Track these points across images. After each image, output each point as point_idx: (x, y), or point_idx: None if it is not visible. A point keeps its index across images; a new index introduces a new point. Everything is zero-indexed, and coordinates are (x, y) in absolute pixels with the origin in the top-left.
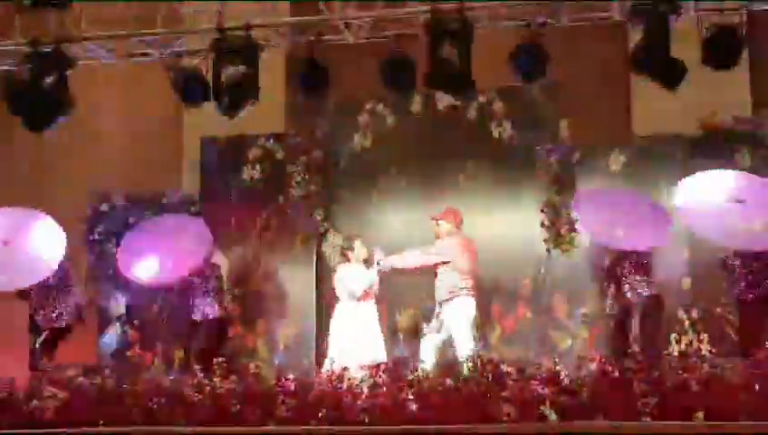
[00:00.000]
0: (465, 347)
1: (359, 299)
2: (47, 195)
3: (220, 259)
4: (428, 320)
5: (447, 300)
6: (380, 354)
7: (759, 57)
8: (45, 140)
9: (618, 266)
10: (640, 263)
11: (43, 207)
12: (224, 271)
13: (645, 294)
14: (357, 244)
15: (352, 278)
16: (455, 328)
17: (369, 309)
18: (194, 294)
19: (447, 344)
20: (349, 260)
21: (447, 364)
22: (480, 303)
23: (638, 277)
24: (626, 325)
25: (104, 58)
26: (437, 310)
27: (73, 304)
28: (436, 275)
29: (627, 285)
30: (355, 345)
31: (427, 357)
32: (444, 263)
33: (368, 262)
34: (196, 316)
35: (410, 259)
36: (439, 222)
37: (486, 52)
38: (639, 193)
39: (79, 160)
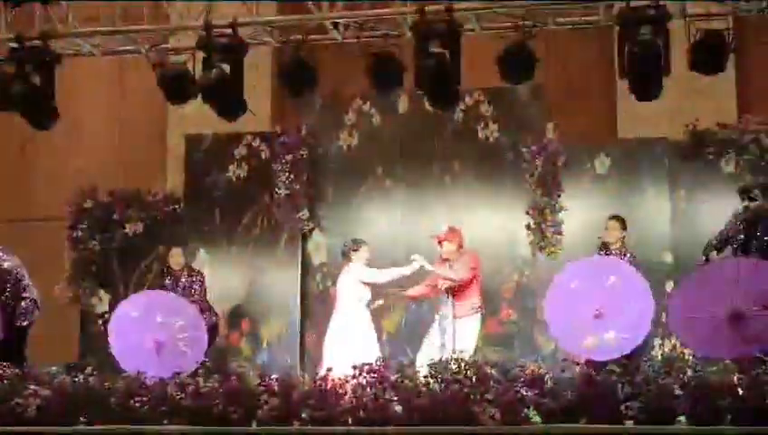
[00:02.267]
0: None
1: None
2: (31, 191)
3: (200, 262)
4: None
5: (465, 316)
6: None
7: (745, 63)
8: (29, 136)
9: None
10: None
11: (27, 203)
12: (206, 274)
13: None
14: (363, 249)
15: (362, 286)
16: (465, 342)
17: (367, 316)
18: None
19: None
20: (350, 262)
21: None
22: None
23: None
24: None
25: (90, 54)
26: (443, 323)
27: (28, 305)
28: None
29: None
30: (354, 353)
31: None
32: (455, 280)
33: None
34: None
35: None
36: (443, 243)
37: (473, 53)
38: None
39: (63, 156)
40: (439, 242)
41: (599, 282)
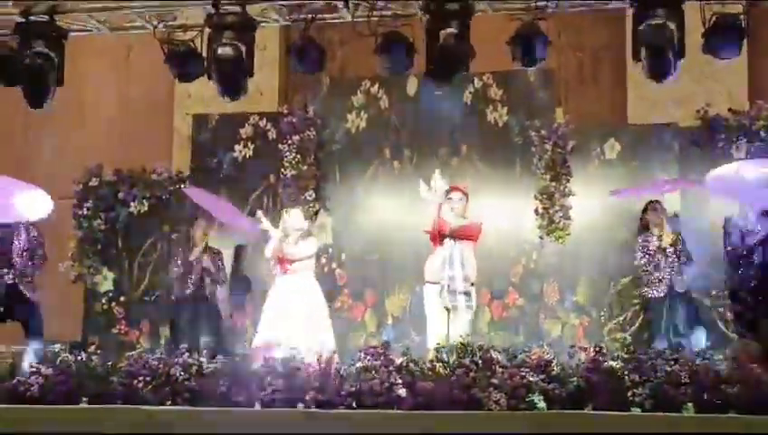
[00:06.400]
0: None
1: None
2: (36, 169)
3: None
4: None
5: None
6: (328, 340)
7: (757, 48)
8: (34, 113)
9: None
10: None
11: (32, 181)
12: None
13: None
14: (287, 214)
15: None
16: (471, 310)
17: (308, 283)
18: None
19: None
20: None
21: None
22: None
23: None
24: None
25: (97, 30)
26: (465, 287)
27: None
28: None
29: None
30: (291, 323)
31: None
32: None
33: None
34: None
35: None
36: (457, 192)
37: (483, 36)
38: None
39: (68, 134)
40: (453, 189)
41: None
